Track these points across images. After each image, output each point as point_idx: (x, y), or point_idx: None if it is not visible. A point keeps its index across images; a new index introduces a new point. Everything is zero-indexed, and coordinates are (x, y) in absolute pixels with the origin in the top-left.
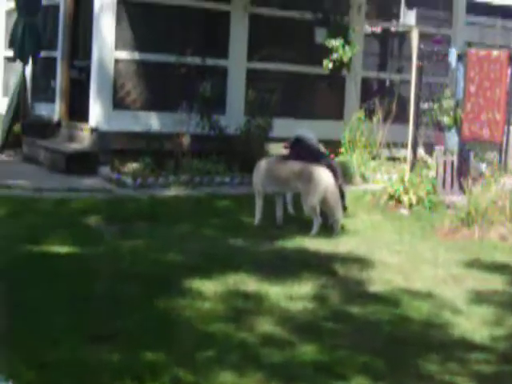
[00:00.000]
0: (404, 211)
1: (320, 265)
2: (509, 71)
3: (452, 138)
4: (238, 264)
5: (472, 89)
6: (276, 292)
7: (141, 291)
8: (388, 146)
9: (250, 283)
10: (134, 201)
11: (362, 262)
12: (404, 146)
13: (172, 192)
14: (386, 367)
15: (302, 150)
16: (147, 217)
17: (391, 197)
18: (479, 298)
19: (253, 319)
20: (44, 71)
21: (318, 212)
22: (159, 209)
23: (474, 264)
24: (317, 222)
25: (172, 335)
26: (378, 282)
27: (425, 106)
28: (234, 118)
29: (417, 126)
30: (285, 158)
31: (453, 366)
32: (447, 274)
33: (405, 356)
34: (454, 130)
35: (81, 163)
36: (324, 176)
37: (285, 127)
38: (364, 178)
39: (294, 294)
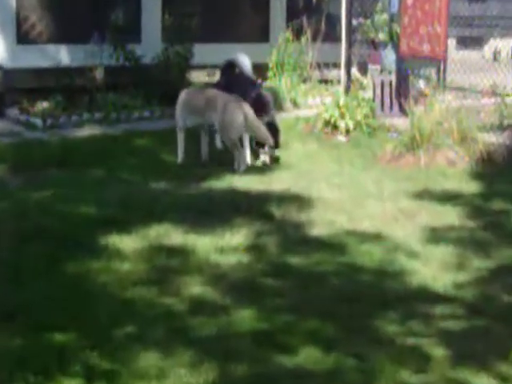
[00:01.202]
0: (341, 138)
1: (253, 207)
2: None
3: (389, 56)
4: (160, 212)
5: (409, 0)
6: (204, 244)
7: (47, 254)
8: (319, 67)
9: (175, 235)
10: (44, 144)
11: (300, 201)
12: (336, 66)
13: (86, 131)
14: (338, 332)
15: (232, 78)
16: (57, 162)
17: (326, 123)
18: (435, 235)
19: (179, 280)
20: None
21: (239, 146)
22: (71, 152)
23: (424, 195)
24: (239, 157)
25: (84, 309)
26: (320, 223)
27: (355, 22)
28: (150, 46)
29: (350, 44)
30: (213, 86)
31: (415, 325)
32: (396, 208)
33: (358, 316)
34: (390, 47)
35: None
36: (238, 109)
37: (207, 53)
38: (295, 104)
39: (226, 246)
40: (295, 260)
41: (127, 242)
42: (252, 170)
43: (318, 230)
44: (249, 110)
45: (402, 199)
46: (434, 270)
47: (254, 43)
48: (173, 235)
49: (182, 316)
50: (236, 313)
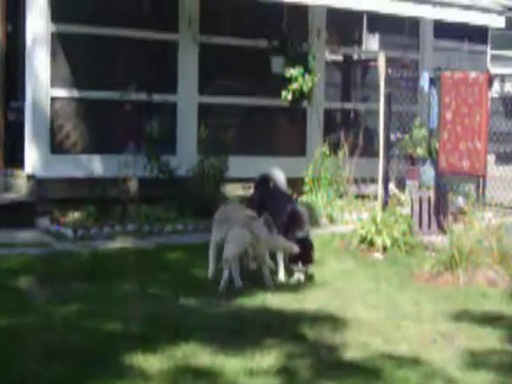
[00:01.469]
0: (378, 255)
1: (285, 327)
2: (489, 95)
3: (427, 172)
4: (188, 331)
5: (448, 115)
6: (233, 366)
7: (71, 372)
8: (355, 182)
9: (203, 355)
10: (73, 256)
11: (334, 321)
12: (373, 181)
13: (117, 244)
14: None
15: (266, 192)
16: (87, 275)
17: (363, 239)
18: (475, 360)
19: None
20: None
21: (234, 265)
22: (101, 265)
23: (463, 316)
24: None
25: None
26: (354, 346)
27: (393, 137)
28: (185, 158)
29: (387, 159)
30: (248, 201)
31: None
32: (434, 330)
33: None
34: (428, 163)
35: (16, 214)
36: (242, 228)
37: (242, 166)
38: (331, 219)
39: (256, 368)
40: None
41: (152, 362)
42: (286, 287)
43: (351, 353)
44: (259, 229)
45: (441, 321)
46: None
47: (290, 157)
48: (200, 355)
49: None
50: None
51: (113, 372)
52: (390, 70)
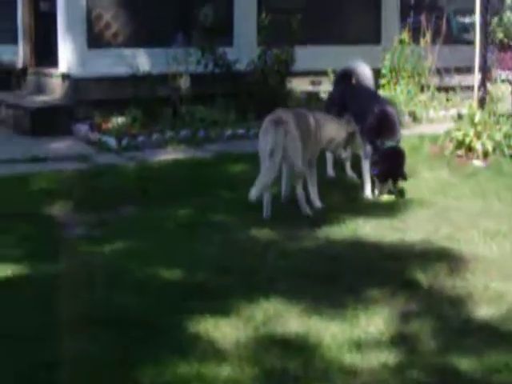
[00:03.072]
0: (478, 163)
1: (390, 271)
2: None
3: None
4: (267, 280)
5: None
6: (333, 334)
7: (118, 351)
8: (438, 72)
9: (290, 318)
10: (117, 172)
11: (449, 259)
12: (458, 71)
13: (169, 154)
14: None
15: (348, 90)
16: (134, 196)
17: (459, 144)
18: None
19: None
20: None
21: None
22: (151, 182)
23: None
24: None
25: None
26: (485, 297)
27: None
28: (244, 50)
29: (485, 46)
30: (327, 100)
31: None
32: None
33: None
34: None
35: (50, 120)
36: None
37: (310, 58)
38: (415, 118)
39: (363, 337)
40: (463, 362)
41: (225, 330)
42: (377, 208)
43: (484, 310)
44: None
45: None
46: None
47: (363, 45)
48: (287, 318)
49: None
50: None
51: (173, 349)
52: None
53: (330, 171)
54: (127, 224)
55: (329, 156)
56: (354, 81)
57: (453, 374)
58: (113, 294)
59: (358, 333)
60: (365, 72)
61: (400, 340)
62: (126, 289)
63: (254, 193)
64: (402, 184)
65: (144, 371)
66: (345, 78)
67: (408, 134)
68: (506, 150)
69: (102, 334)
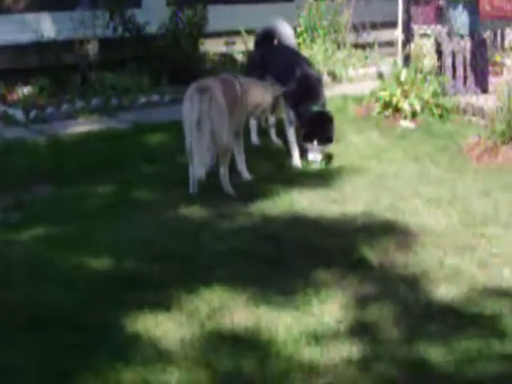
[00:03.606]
0: (407, 123)
1: (336, 249)
2: None
3: (459, 17)
4: (205, 266)
5: None
6: (286, 326)
7: (49, 355)
8: (355, 29)
9: (238, 309)
10: (28, 147)
11: (396, 232)
12: (374, 27)
13: (81, 126)
14: None
15: (269, 51)
16: (48, 174)
17: (386, 104)
18: None
19: None
20: None
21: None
22: (64, 157)
23: None
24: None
25: None
26: (442, 275)
27: None
28: (154, 11)
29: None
30: (248, 62)
31: None
32: None
33: None
34: (461, 6)
35: None
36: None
37: (224, 17)
38: (334, 77)
39: (319, 328)
40: (432, 352)
41: (167, 327)
42: (310, 177)
43: (443, 289)
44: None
45: None
46: None
47: (276, 3)
48: (233, 309)
49: None
50: None
51: (110, 350)
52: None
53: (255, 139)
54: (44, 206)
55: (252, 123)
56: (275, 41)
57: (423, 366)
58: (35, 290)
59: (313, 323)
60: (286, 31)
61: (360, 329)
62: (51, 283)
63: (200, 171)
64: (329, 148)
65: (82, 382)
66: (265, 38)
67: (330, 95)
68: (434, 109)
69: (25, 341)
